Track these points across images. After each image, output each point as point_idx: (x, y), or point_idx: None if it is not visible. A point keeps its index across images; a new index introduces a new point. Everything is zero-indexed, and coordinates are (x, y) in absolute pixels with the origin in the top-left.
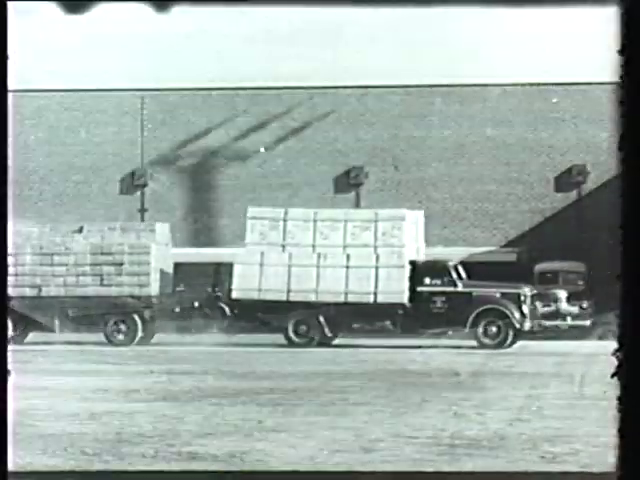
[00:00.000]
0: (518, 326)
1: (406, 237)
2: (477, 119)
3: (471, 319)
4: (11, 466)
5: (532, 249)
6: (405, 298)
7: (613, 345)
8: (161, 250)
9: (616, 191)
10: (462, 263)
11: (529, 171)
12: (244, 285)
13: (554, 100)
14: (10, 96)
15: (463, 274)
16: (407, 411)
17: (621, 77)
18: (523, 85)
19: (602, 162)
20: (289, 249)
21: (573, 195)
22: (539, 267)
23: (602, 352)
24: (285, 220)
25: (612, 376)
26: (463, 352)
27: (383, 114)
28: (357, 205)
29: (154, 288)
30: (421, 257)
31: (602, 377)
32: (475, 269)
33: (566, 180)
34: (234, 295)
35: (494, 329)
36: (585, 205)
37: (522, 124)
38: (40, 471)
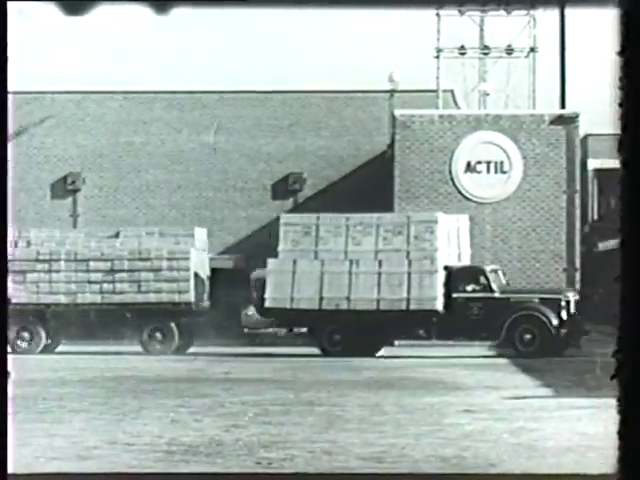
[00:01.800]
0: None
1: (440, 241)
2: (196, 126)
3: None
4: (11, 468)
5: (249, 256)
6: (439, 305)
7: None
8: (199, 256)
9: (333, 198)
10: None
11: (247, 178)
12: (277, 294)
13: (272, 107)
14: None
15: (503, 279)
16: (125, 418)
17: (621, 78)
18: (241, 92)
19: (319, 170)
20: (321, 256)
21: (290, 203)
22: (255, 274)
23: (314, 357)
24: (317, 225)
25: (612, 378)
26: (183, 359)
27: (102, 120)
28: (74, 212)
29: (193, 295)
30: (465, 262)
31: (315, 383)
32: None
33: (283, 188)
34: (267, 304)
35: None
36: (301, 212)
37: (240, 131)
38: (40, 473)
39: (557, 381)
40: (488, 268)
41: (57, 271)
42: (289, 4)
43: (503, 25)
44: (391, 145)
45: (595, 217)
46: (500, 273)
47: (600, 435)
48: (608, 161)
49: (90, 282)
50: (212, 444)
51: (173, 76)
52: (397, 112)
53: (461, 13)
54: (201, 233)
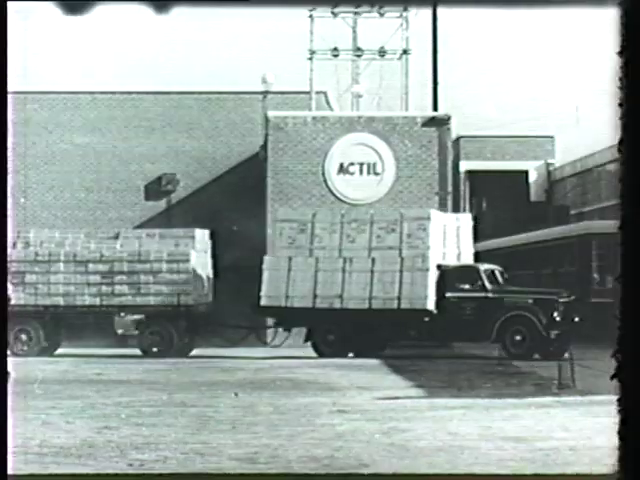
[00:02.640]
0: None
1: (432, 239)
2: (67, 126)
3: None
4: (10, 470)
5: None
6: (430, 304)
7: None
8: (200, 258)
9: (206, 199)
10: None
11: (119, 179)
12: (272, 292)
13: (145, 108)
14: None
15: (500, 279)
16: None
17: (621, 78)
18: (113, 93)
19: (192, 171)
20: (316, 253)
21: (163, 204)
22: None
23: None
24: (313, 222)
25: (612, 378)
26: (51, 360)
27: None
28: None
29: (194, 297)
30: (467, 261)
31: (188, 384)
32: None
33: (156, 189)
34: (262, 302)
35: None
36: (174, 213)
37: (113, 132)
38: (39, 474)
39: (429, 382)
40: (483, 267)
41: (55, 273)
42: (289, 4)
43: (376, 27)
44: (264, 146)
45: None
46: (497, 273)
47: (472, 435)
48: (480, 163)
49: (89, 284)
50: (84, 446)
51: (44, 76)
52: (270, 113)
53: (334, 15)
54: (202, 234)
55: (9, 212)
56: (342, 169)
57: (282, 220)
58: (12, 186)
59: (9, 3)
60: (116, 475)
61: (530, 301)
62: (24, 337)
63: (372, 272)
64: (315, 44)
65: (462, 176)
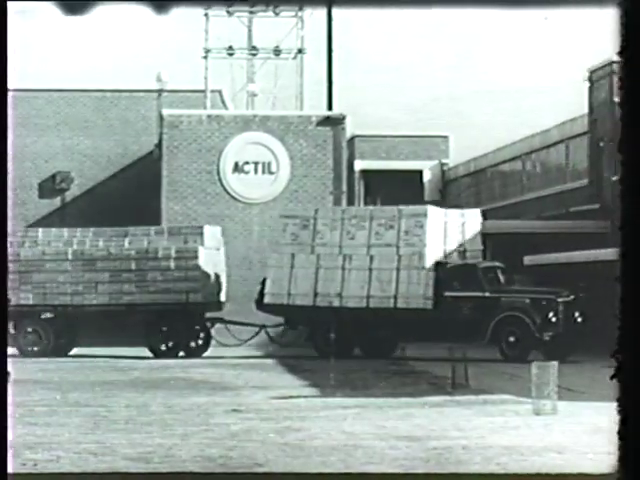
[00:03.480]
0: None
1: (429, 236)
2: None
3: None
4: (10, 468)
5: None
6: (426, 303)
7: None
8: (210, 255)
9: (101, 197)
10: None
11: (12, 177)
12: (275, 290)
13: (39, 106)
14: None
15: (502, 277)
16: None
17: (621, 78)
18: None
19: (86, 169)
20: (318, 250)
21: (57, 202)
22: None
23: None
24: (315, 219)
25: (611, 378)
26: None
27: None
28: None
29: (203, 295)
30: (474, 260)
31: (82, 384)
32: None
33: (50, 187)
34: (266, 300)
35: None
36: (68, 212)
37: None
38: (39, 472)
39: (324, 381)
40: (482, 265)
41: (64, 271)
42: (289, 4)
43: (271, 26)
44: (159, 145)
45: None
46: (499, 271)
47: (366, 434)
48: (374, 162)
49: (97, 283)
50: None
51: None
52: (165, 112)
53: (229, 14)
54: (213, 231)
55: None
56: (237, 168)
57: (286, 216)
58: None
59: (9, 3)
60: (116, 475)
61: (527, 301)
62: (34, 337)
63: (370, 270)
64: (210, 43)
65: (356, 175)
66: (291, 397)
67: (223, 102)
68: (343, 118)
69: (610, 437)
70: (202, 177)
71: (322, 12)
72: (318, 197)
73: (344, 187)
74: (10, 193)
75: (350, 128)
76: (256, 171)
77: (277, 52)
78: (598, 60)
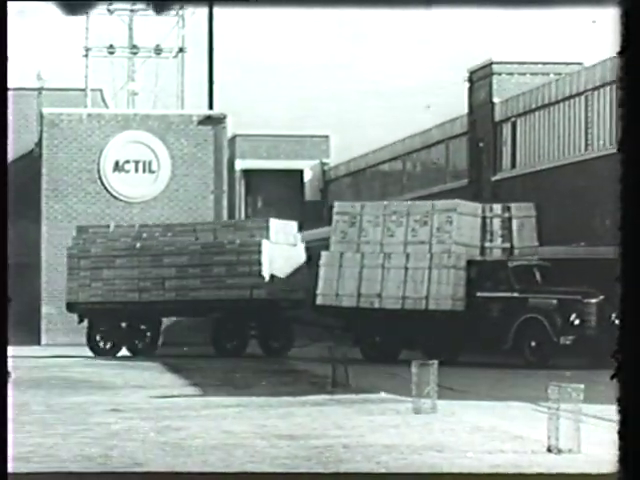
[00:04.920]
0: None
1: (459, 232)
2: None
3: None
4: (10, 468)
5: None
6: (455, 304)
7: None
8: (277, 249)
9: None
10: None
11: None
12: (326, 290)
13: None
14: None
15: (538, 275)
16: None
17: (621, 78)
18: None
19: None
20: (362, 248)
21: None
22: None
23: None
24: (361, 215)
25: (612, 377)
26: None
27: None
28: None
29: (269, 291)
30: (522, 259)
31: None
32: None
33: None
34: (317, 301)
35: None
36: None
37: None
38: (39, 472)
39: (205, 380)
40: (513, 264)
41: (132, 267)
42: (289, 4)
43: (152, 25)
44: (39, 143)
45: (243, 217)
46: (535, 269)
47: (246, 433)
48: (255, 162)
49: (164, 278)
50: None
51: None
52: (45, 110)
53: (110, 12)
54: (283, 225)
55: None
56: (117, 167)
57: (337, 213)
58: None
59: (9, 3)
60: (116, 475)
61: (554, 302)
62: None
63: (406, 269)
64: (90, 41)
65: (238, 175)
66: (172, 396)
67: (104, 101)
68: (224, 117)
69: (490, 435)
70: (82, 176)
71: (204, 11)
72: (199, 196)
73: (225, 186)
74: None
75: (231, 127)
76: (137, 170)
77: (158, 51)
78: (478, 61)
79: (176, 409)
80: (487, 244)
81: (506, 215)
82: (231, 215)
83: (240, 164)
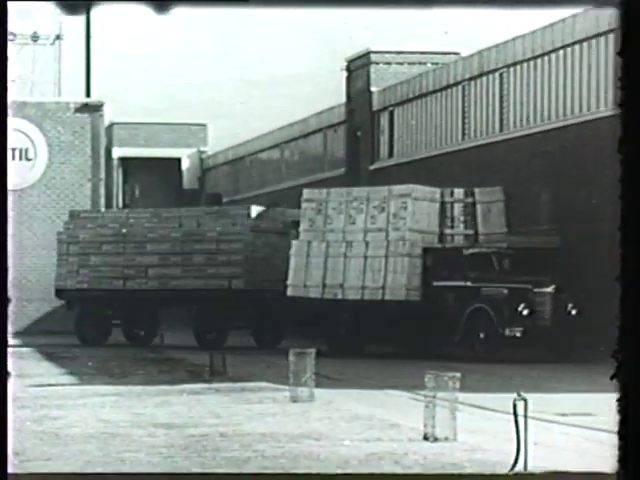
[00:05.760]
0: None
1: (414, 219)
2: None
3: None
4: (10, 469)
5: None
6: (409, 294)
7: None
8: (262, 238)
9: None
10: None
11: None
12: (295, 281)
13: None
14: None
15: (496, 263)
16: None
17: (621, 78)
18: None
19: None
20: (327, 237)
21: None
22: None
23: None
24: (327, 202)
25: (611, 378)
26: None
27: None
28: None
29: (248, 281)
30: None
31: None
32: None
33: None
34: (289, 292)
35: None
36: None
37: None
38: (39, 473)
39: (81, 369)
40: (469, 251)
41: (117, 254)
42: (289, 4)
43: (29, 11)
44: None
45: (120, 205)
46: (495, 257)
47: (123, 422)
48: (133, 150)
49: (147, 266)
50: None
51: None
52: None
53: None
54: (272, 212)
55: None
56: None
57: (305, 200)
58: None
59: (9, 3)
60: (116, 475)
61: (505, 291)
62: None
63: (365, 258)
64: None
65: (115, 163)
66: (49, 385)
67: None
68: (101, 105)
69: (367, 423)
70: None
71: None
72: (76, 184)
73: (102, 174)
74: None
75: (109, 115)
76: (13, 157)
77: (35, 38)
78: (356, 50)
79: (53, 398)
80: (447, 230)
81: (469, 200)
82: (108, 204)
83: (118, 152)
